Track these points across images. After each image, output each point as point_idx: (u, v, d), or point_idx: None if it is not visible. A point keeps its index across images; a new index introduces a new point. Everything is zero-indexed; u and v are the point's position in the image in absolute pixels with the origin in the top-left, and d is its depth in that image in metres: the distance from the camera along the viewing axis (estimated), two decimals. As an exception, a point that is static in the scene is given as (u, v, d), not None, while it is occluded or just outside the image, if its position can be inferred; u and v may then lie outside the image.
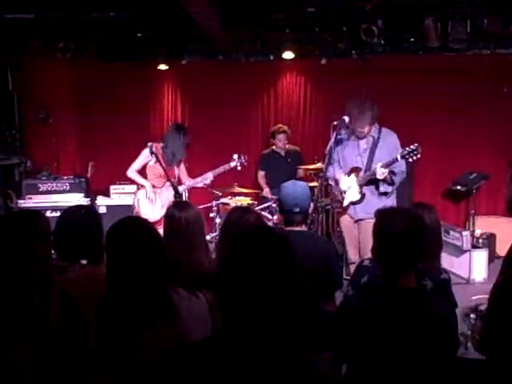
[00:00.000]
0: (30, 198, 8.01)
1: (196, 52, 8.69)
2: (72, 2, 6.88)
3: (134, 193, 6.67)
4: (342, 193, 5.63)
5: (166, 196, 6.10)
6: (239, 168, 6.44)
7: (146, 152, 6.07)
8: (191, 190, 6.44)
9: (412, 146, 5.14)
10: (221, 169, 6.30)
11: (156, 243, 2.59)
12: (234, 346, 1.74)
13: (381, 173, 5.24)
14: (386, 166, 5.22)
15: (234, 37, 8.11)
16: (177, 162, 6.28)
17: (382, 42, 7.80)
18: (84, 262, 3.00)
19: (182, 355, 1.83)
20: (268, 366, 1.72)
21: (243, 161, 6.40)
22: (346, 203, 5.62)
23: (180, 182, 6.33)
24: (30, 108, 9.00)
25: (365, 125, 5.38)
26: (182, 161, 6.36)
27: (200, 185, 6.36)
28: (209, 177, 6.25)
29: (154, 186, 6.22)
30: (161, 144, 6.22)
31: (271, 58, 8.65)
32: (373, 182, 5.45)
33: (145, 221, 2.76)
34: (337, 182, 5.67)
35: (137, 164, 6.28)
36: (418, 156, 5.16)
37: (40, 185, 8.10)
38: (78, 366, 2.29)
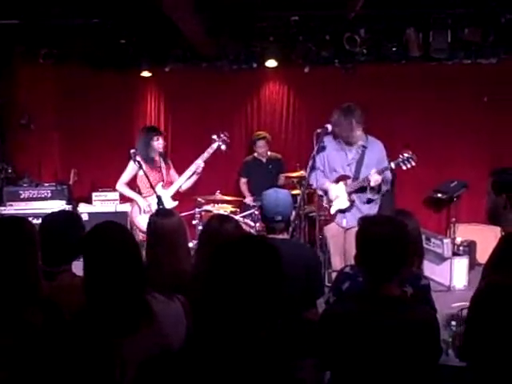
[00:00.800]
0: (11, 205, 7.94)
1: (179, 59, 8.68)
2: (55, 8, 6.86)
3: (130, 208, 6.49)
4: (330, 201, 5.64)
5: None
6: (223, 147, 6.31)
7: (132, 163, 6.02)
8: (174, 197, 6.38)
9: (406, 154, 5.21)
10: (205, 154, 6.20)
11: (131, 248, 2.57)
12: (214, 352, 1.74)
13: (375, 179, 5.28)
14: (379, 172, 5.27)
15: (218, 44, 8.13)
16: (156, 161, 6.21)
17: (365, 51, 7.87)
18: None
19: (160, 363, 1.83)
20: (249, 374, 1.72)
21: (224, 138, 6.28)
22: (333, 211, 5.63)
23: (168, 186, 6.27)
24: (11, 114, 8.92)
25: (351, 130, 5.41)
26: (166, 162, 6.32)
27: (194, 177, 6.25)
28: (199, 164, 6.16)
29: (145, 197, 6.15)
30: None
31: (254, 65, 8.67)
32: (362, 189, 5.49)
33: (120, 225, 2.75)
34: (325, 191, 5.68)
35: (125, 176, 6.18)
36: (413, 164, 5.24)
37: (21, 191, 8.04)
38: (62, 370, 2.29)
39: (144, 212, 6.08)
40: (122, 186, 6.23)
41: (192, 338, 2.13)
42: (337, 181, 5.59)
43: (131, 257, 2.53)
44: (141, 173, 6.05)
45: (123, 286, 2.45)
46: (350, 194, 5.51)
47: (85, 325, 2.45)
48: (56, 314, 2.31)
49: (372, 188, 5.41)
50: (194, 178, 6.27)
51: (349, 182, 5.52)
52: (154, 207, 5.87)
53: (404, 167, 5.27)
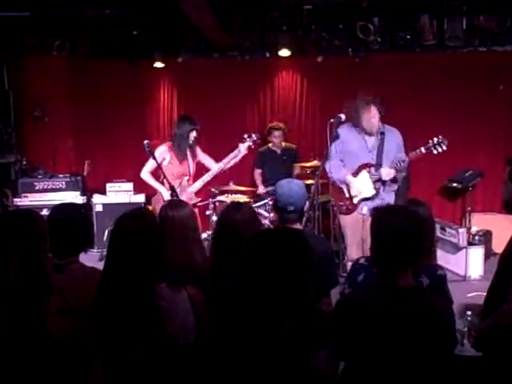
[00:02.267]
0: (26, 197, 8.01)
1: (192, 50, 8.68)
2: (67, -1, 6.88)
3: (153, 199, 6.37)
4: (352, 196, 5.64)
5: (186, 195, 6.02)
6: (253, 147, 6.38)
7: (160, 150, 6.00)
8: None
9: (436, 138, 5.23)
10: (234, 155, 6.18)
11: (155, 238, 2.62)
12: (236, 343, 1.74)
13: (386, 173, 5.28)
14: (395, 168, 5.33)
15: (230, 35, 8.10)
16: (186, 155, 6.13)
17: (379, 39, 7.81)
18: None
19: (178, 353, 1.83)
20: (270, 364, 1.72)
21: (255, 138, 6.26)
22: (357, 200, 5.62)
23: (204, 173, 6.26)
24: (25, 106, 8.97)
25: (372, 118, 5.42)
26: (194, 154, 6.23)
27: (229, 165, 6.26)
28: (223, 165, 6.18)
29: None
30: (169, 142, 6.11)
31: (267, 55, 8.64)
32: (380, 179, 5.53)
33: (148, 214, 2.80)
34: (347, 184, 5.66)
35: (150, 164, 6.01)
36: (444, 148, 5.28)
37: (36, 183, 8.11)
38: (75, 359, 2.31)
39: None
40: (146, 174, 6.11)
41: (202, 329, 2.13)
42: (358, 170, 5.58)
43: (152, 248, 2.57)
44: (165, 163, 6.02)
45: (137, 276, 2.47)
46: (374, 182, 5.51)
47: (100, 314, 2.47)
48: (67, 304, 2.33)
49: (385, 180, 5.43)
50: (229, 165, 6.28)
51: (372, 170, 5.52)
52: (186, 195, 5.94)
53: (435, 151, 5.31)
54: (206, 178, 6.23)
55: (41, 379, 2.22)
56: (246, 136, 6.25)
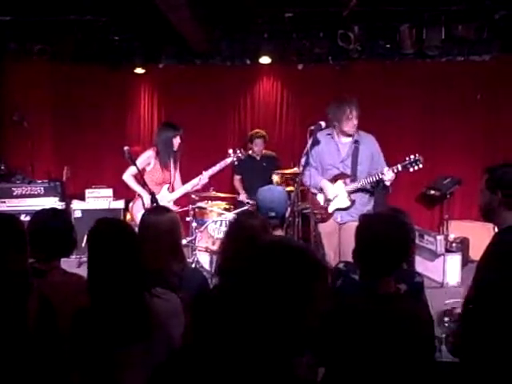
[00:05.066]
0: (4, 202, 7.92)
1: (173, 56, 8.69)
2: (49, 4, 6.83)
3: (131, 205, 6.30)
4: (327, 200, 5.61)
5: (166, 200, 6.02)
6: (236, 163, 6.44)
7: (147, 154, 6.00)
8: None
9: (413, 156, 5.23)
10: (217, 167, 6.20)
11: (135, 245, 2.62)
12: (221, 349, 1.75)
13: (389, 178, 5.28)
14: (393, 171, 5.28)
15: (212, 41, 8.12)
16: (169, 162, 6.10)
17: (359, 48, 7.87)
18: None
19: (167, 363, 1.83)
20: (251, 371, 1.72)
21: (239, 155, 6.30)
22: (332, 209, 5.58)
23: (173, 189, 6.20)
24: (4, 110, 8.89)
25: (353, 118, 5.39)
26: (176, 163, 6.20)
27: (198, 186, 6.24)
28: (204, 178, 6.14)
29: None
30: (155, 147, 6.07)
31: (248, 62, 8.68)
32: (361, 189, 5.48)
33: (123, 222, 2.80)
34: (321, 189, 5.64)
35: (134, 167, 5.80)
36: (420, 166, 5.26)
37: (14, 188, 8.01)
38: (52, 366, 2.30)
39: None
40: (129, 177, 6.02)
41: (188, 335, 2.13)
42: (334, 179, 5.55)
43: (132, 254, 2.56)
44: (148, 168, 6.01)
45: (124, 284, 2.49)
46: (349, 193, 5.50)
47: (85, 325, 2.47)
48: (48, 308, 2.32)
49: (377, 185, 5.44)
50: (198, 187, 6.26)
51: (347, 181, 5.48)
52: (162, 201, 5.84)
53: (411, 169, 5.29)
54: (187, 187, 6.20)
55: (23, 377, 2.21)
56: (231, 151, 6.30)
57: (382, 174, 5.28)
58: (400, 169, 5.30)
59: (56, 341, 2.32)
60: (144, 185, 5.66)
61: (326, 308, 2.72)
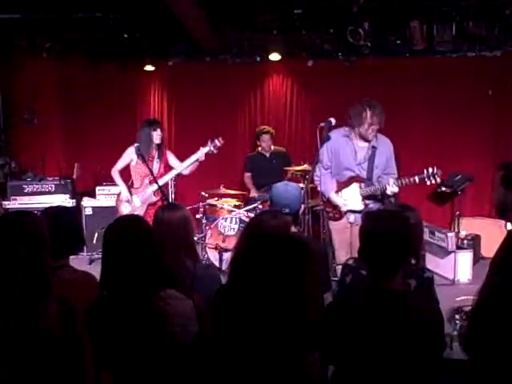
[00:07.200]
0: (15, 200, 7.96)
1: (182, 53, 8.70)
2: (58, 2, 6.85)
3: (117, 195, 6.71)
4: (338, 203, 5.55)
5: (145, 195, 6.30)
6: (215, 152, 6.37)
7: (128, 151, 6.30)
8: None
9: (431, 169, 5.18)
10: (192, 157, 6.32)
11: (151, 242, 2.64)
12: (233, 345, 1.75)
13: (392, 191, 5.24)
14: (398, 185, 5.24)
15: (221, 38, 8.11)
16: (153, 155, 6.37)
17: (369, 44, 7.82)
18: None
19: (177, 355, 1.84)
20: (263, 368, 1.72)
21: (217, 143, 6.31)
22: (345, 209, 5.52)
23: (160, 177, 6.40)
24: (15, 108, 8.94)
25: (378, 124, 5.30)
26: (161, 154, 6.43)
27: (188, 169, 6.44)
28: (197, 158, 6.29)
29: (132, 186, 6.40)
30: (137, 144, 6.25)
31: (258, 59, 8.67)
32: (375, 196, 5.44)
33: (142, 221, 2.82)
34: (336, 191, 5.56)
35: (120, 163, 6.41)
36: (438, 180, 5.23)
37: (25, 186, 8.06)
38: (73, 364, 2.30)
39: (125, 201, 6.39)
40: (115, 172, 6.46)
41: (204, 335, 2.14)
42: (349, 181, 5.47)
43: (149, 250, 2.59)
44: (133, 163, 6.34)
45: (139, 281, 2.51)
46: (364, 197, 5.43)
47: (100, 320, 2.48)
48: (68, 308, 2.32)
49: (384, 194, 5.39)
50: (195, 164, 6.40)
51: (363, 185, 5.42)
52: (136, 204, 6.31)
53: (428, 182, 5.25)
54: (165, 178, 6.42)
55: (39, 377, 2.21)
56: (209, 141, 6.34)
57: (388, 184, 5.26)
58: (417, 181, 5.25)
59: (78, 341, 2.32)
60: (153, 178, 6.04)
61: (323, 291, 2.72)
